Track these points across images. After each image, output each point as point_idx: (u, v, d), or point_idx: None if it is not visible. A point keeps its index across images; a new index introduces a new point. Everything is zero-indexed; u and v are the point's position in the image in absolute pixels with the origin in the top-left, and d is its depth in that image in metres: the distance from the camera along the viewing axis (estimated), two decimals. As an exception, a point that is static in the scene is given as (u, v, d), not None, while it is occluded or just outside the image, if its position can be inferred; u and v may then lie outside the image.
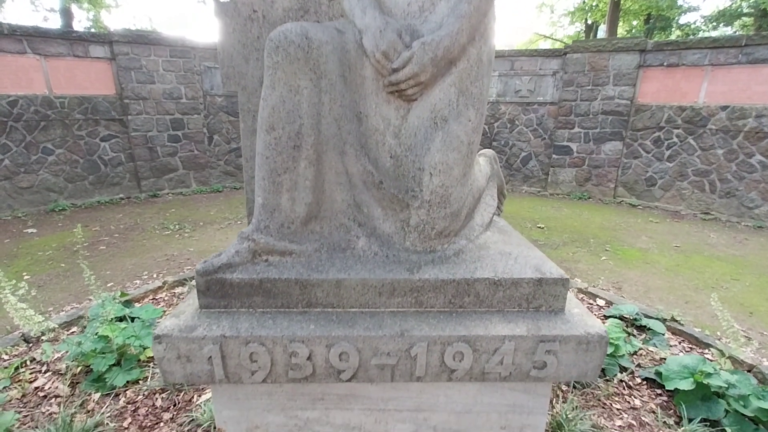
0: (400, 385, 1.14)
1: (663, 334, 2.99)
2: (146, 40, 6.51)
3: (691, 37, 15.68)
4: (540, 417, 1.20)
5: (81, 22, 16.04)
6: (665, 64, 6.48)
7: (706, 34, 15.68)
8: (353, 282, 1.05)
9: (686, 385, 2.20)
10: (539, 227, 5.68)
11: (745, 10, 15.38)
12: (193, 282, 1.11)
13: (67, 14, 14.76)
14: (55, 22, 14.66)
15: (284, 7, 1.23)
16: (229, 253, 1.05)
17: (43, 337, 2.74)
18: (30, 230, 5.30)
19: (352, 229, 1.14)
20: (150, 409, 2.17)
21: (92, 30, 14.37)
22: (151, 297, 3.47)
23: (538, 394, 1.16)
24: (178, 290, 3.62)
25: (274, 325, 1.01)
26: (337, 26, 1.14)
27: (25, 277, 3.91)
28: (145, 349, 2.57)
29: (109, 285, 3.77)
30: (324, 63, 1.05)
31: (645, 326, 3.09)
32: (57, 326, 2.21)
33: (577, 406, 2.16)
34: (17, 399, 2.26)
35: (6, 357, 2.63)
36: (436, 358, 1.02)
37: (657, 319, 3.15)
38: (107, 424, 2.02)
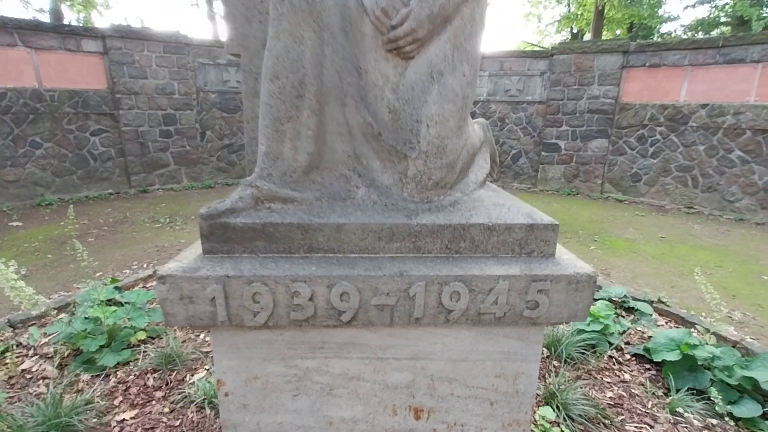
0: (398, 331, 1.17)
1: (650, 315, 3.07)
2: (140, 36, 6.48)
3: (672, 37, 16.19)
4: (533, 365, 1.24)
5: (70, 23, 15.84)
6: (647, 64, 6.68)
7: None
8: (353, 226, 1.08)
9: (673, 356, 2.27)
10: (529, 221, 5.78)
11: (723, 19, 15.93)
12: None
13: (56, 15, 14.58)
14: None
15: (286, -32, 1.26)
16: (233, 198, 1.08)
17: (31, 311, 2.70)
18: (15, 223, 5.20)
19: (352, 179, 1.18)
20: (141, 389, 2.16)
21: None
22: (141, 285, 3.44)
23: (531, 341, 1.20)
24: (169, 279, 3.58)
25: (276, 267, 1.04)
26: (338, -13, 1.18)
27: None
28: (136, 331, 2.56)
29: (98, 274, 3.72)
30: (327, 16, 1.09)
31: (633, 308, 3.17)
32: (48, 300, 2.18)
33: (569, 379, 2.21)
34: (3, 381, 2.22)
35: (-8, 342, 2.58)
36: (434, 298, 1.06)
37: (644, 301, 3.23)
38: (97, 401, 2.01)
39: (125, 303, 2.77)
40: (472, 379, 1.24)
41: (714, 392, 1.88)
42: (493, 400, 1.26)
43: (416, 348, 1.19)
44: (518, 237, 1.12)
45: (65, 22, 14.94)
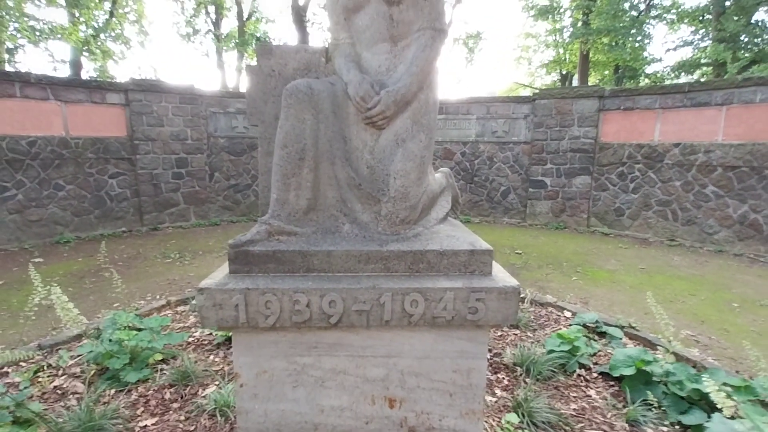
0: (375, 333, 1.52)
1: (620, 338, 3.35)
2: (158, 89, 7.19)
3: (657, 78, 17.14)
4: (482, 362, 1.57)
5: (88, 73, 17.00)
6: (622, 108, 7.30)
7: (668, 82, 17.18)
8: (340, 252, 1.47)
9: (629, 371, 2.55)
10: (517, 253, 6.12)
11: (703, 61, 17.00)
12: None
13: (76, 65, 15.81)
14: (63, 72, 15.60)
15: (294, 67, 1.75)
16: (252, 232, 1.48)
17: (72, 330, 3.03)
18: (37, 260, 5.59)
19: (340, 218, 1.58)
20: (160, 401, 2.45)
21: (98, 78, 15.20)
22: (156, 313, 3.76)
23: (479, 342, 1.55)
24: (180, 308, 3.93)
25: (282, 282, 1.42)
26: (331, 81, 1.65)
27: (35, 300, 4.16)
28: (154, 352, 2.87)
29: (114, 305, 4.05)
30: (321, 103, 1.54)
31: (605, 332, 3.45)
32: (86, 321, 2.52)
33: (536, 391, 2.48)
34: (38, 396, 2.52)
35: (24, 364, 2.89)
36: (399, 305, 1.42)
37: (616, 326, 3.51)
38: (122, 411, 2.30)
39: (144, 328, 3.10)
40: (434, 373, 1.57)
41: (650, 395, 2.16)
42: (452, 391, 1.58)
43: (390, 347, 1.54)
44: (463, 260, 1.50)
45: (84, 72, 16.13)
